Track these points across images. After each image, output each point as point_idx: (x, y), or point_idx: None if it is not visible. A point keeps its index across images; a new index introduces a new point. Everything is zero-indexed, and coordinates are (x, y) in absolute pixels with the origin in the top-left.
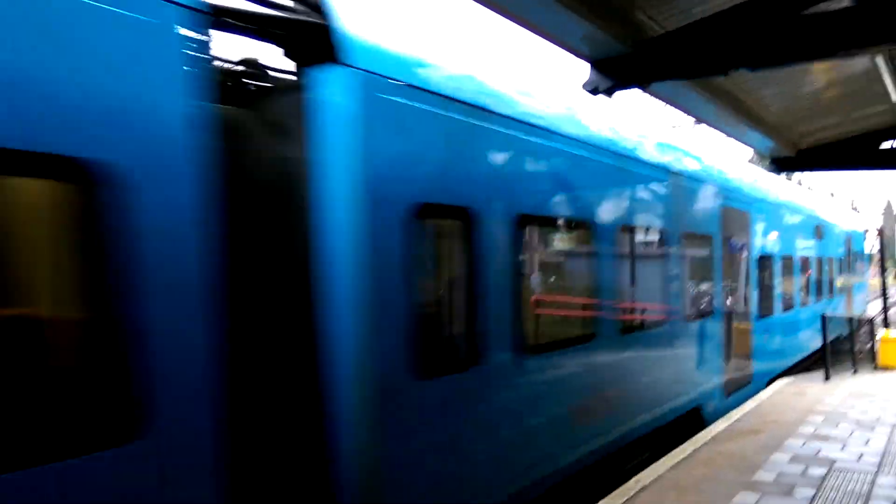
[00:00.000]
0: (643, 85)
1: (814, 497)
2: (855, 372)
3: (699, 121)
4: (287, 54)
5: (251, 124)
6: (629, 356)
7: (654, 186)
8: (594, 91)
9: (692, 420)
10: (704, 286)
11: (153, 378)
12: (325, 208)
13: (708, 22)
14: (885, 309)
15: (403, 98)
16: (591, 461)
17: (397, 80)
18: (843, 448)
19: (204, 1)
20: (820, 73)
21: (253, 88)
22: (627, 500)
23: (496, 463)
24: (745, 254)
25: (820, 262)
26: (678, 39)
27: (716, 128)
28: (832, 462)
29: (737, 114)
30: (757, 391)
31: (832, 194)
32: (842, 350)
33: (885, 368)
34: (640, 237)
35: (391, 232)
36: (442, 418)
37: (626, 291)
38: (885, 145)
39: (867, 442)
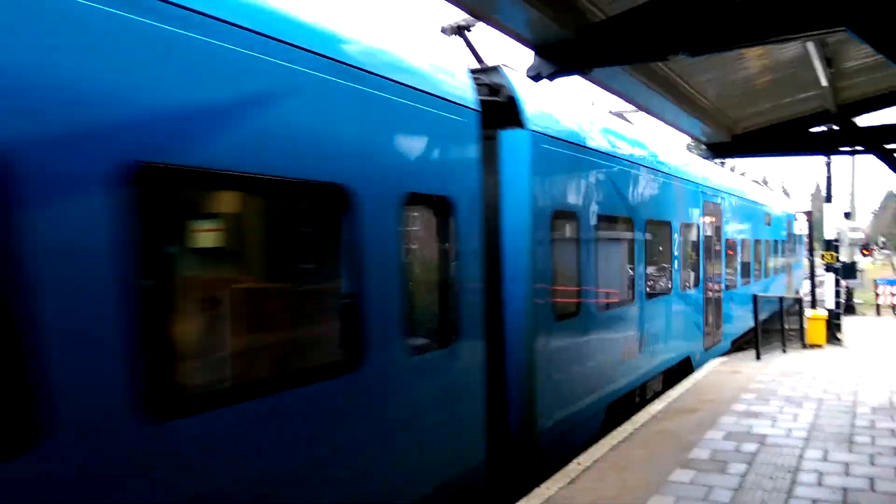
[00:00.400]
0: (584, 71)
1: (746, 472)
2: (784, 351)
3: (639, 108)
4: (490, 121)
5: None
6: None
7: (671, 189)
8: (537, 77)
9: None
10: (693, 264)
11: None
12: (510, 212)
13: (647, 7)
14: (813, 289)
15: (550, 145)
16: (638, 384)
17: (548, 135)
18: (773, 424)
19: (478, 109)
20: (754, 60)
21: None
22: (570, 481)
23: (599, 376)
24: (719, 237)
25: (768, 243)
26: (619, 25)
27: (655, 115)
28: (763, 438)
29: (675, 100)
30: (725, 349)
31: (765, 179)
32: (773, 329)
33: (812, 346)
34: (662, 228)
35: (542, 227)
36: (566, 345)
37: (649, 269)
38: (815, 130)
39: (795, 417)
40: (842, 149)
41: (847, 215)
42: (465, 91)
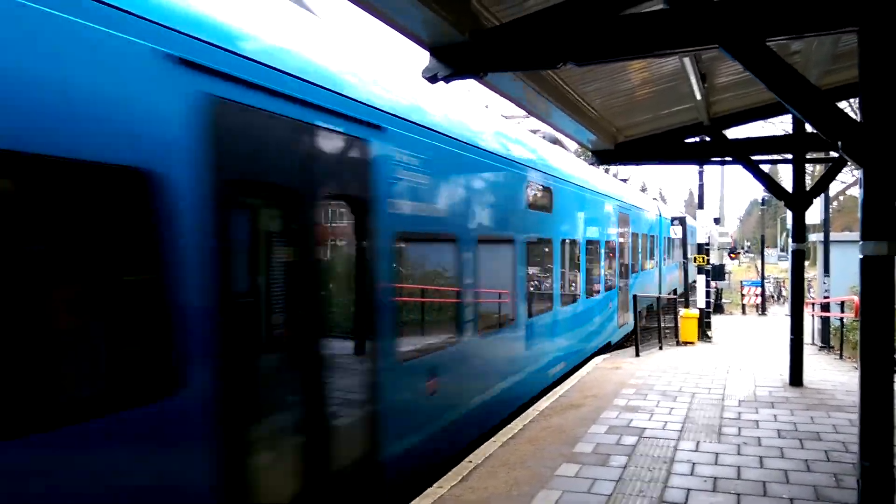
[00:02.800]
0: (479, 75)
1: (626, 464)
2: (661, 348)
3: (531, 114)
4: None
5: None
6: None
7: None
8: (433, 79)
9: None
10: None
11: None
12: None
13: (538, 17)
14: (686, 289)
15: None
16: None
17: None
18: (650, 418)
19: None
20: (636, 73)
21: None
22: (462, 479)
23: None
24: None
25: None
26: (511, 32)
27: (545, 121)
28: (642, 431)
29: (564, 108)
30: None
31: (644, 185)
32: (650, 327)
33: (686, 343)
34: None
35: None
36: None
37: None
38: (690, 140)
39: (671, 411)
40: (713, 159)
41: (717, 221)
42: None
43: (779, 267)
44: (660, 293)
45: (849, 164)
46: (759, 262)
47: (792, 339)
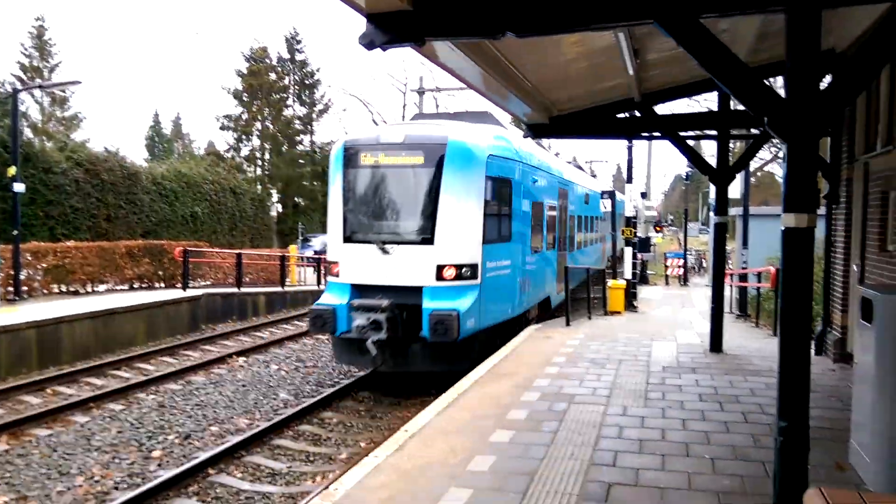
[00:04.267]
0: (418, 43)
1: (557, 429)
2: (590, 317)
3: (469, 86)
4: None
5: None
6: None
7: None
8: (370, 45)
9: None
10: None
11: None
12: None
13: None
14: (614, 261)
15: None
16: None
17: None
18: (580, 384)
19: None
20: (571, 46)
21: None
22: (399, 447)
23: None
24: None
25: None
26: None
27: (483, 94)
28: (572, 397)
29: (501, 80)
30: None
31: (574, 158)
32: (580, 298)
33: (613, 313)
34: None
35: None
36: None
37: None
38: (621, 116)
39: (599, 377)
40: (643, 134)
41: (643, 195)
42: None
43: (699, 239)
44: (600, 261)
45: (771, 141)
46: (681, 235)
47: (712, 308)
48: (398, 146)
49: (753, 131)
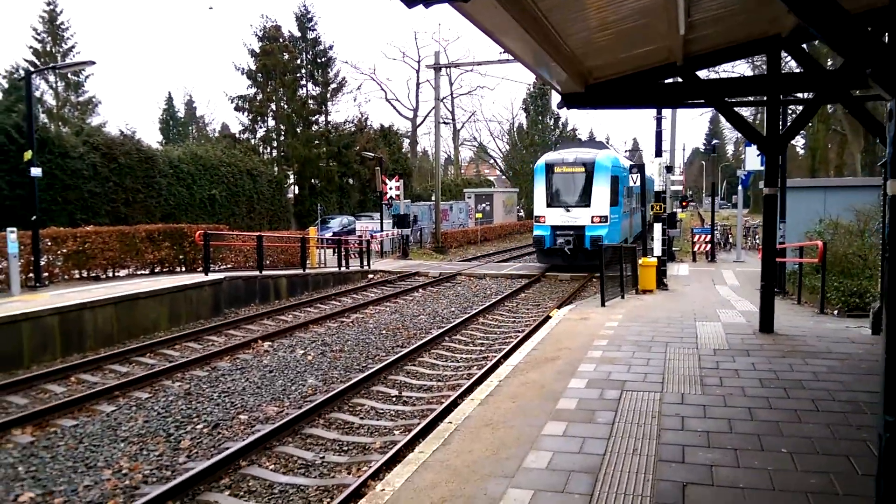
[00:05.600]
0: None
1: (613, 420)
2: (623, 297)
3: (506, 48)
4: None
5: None
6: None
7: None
8: (412, 1)
9: None
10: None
11: None
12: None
13: None
14: (644, 237)
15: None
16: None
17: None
18: (629, 370)
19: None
20: (616, 5)
21: None
22: (443, 442)
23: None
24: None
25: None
26: None
27: (519, 57)
28: (623, 384)
29: (542, 43)
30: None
31: (591, 132)
32: (612, 276)
33: (645, 292)
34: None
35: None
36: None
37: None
38: (663, 82)
39: (648, 362)
40: (686, 101)
41: (668, 169)
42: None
43: (720, 214)
44: (632, 234)
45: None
46: (701, 211)
47: (763, 286)
48: (571, 163)
49: (806, 96)
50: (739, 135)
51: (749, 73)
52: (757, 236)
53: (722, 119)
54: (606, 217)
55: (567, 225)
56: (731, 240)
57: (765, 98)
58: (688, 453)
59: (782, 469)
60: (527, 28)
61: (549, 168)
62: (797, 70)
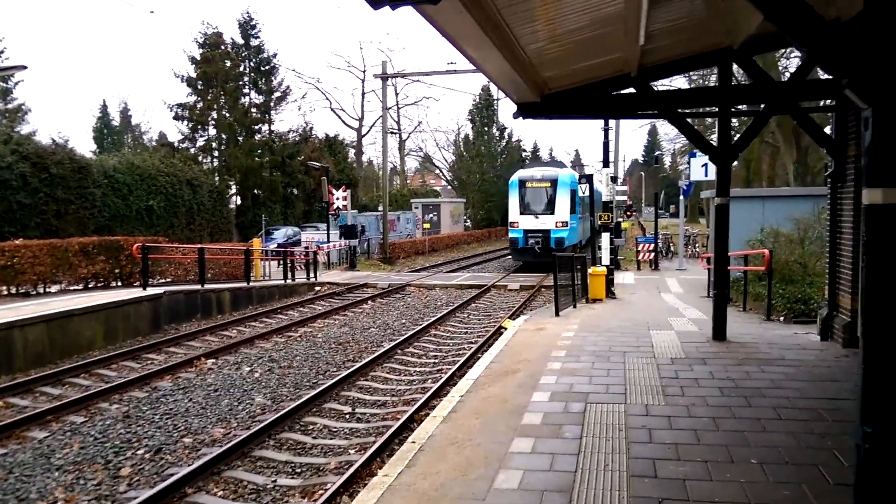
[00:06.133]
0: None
1: (581, 434)
2: (575, 306)
3: (466, 56)
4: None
5: None
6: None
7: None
8: (377, 2)
9: None
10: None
11: None
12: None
13: None
14: (594, 246)
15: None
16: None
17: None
18: (590, 381)
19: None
20: (577, 15)
21: None
22: (408, 463)
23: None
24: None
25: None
26: None
27: (477, 64)
28: (586, 396)
29: (499, 47)
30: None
31: (536, 144)
32: (563, 285)
33: (595, 301)
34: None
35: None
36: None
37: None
38: (617, 93)
39: (608, 373)
40: (640, 112)
41: (614, 179)
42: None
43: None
44: (581, 242)
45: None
46: (641, 220)
47: (716, 295)
48: (539, 179)
49: (757, 108)
50: (677, 147)
51: (686, 87)
52: (697, 245)
53: (660, 131)
54: (567, 222)
55: (536, 229)
56: (672, 248)
57: (716, 109)
58: (659, 467)
59: (755, 481)
60: (489, 35)
61: (522, 183)
62: (746, 83)
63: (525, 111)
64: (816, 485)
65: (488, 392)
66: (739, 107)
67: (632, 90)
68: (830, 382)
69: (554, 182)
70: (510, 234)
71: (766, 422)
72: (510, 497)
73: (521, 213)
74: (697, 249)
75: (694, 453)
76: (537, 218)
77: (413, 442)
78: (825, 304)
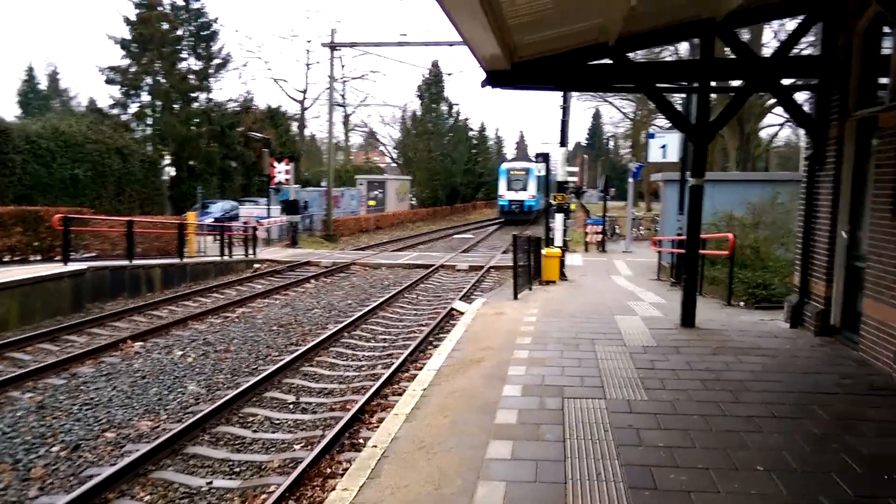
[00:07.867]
0: None
1: (563, 436)
2: (531, 288)
3: (446, 12)
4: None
5: None
6: None
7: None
8: None
9: None
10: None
11: None
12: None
13: None
14: (547, 228)
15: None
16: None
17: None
18: (562, 372)
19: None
20: None
21: None
22: (372, 473)
23: None
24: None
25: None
26: None
27: (454, 18)
28: (562, 390)
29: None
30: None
31: (483, 124)
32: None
33: (548, 283)
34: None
35: None
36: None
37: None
38: (592, 63)
39: (580, 363)
40: (616, 86)
41: (568, 161)
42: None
43: (599, 206)
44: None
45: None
46: (583, 202)
47: (686, 280)
48: (518, 169)
49: (736, 84)
50: (620, 131)
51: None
52: (641, 228)
53: (604, 115)
54: (535, 195)
55: (516, 199)
56: (618, 230)
57: (695, 85)
58: (658, 476)
59: (767, 493)
60: None
61: (507, 171)
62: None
63: (495, 80)
64: (837, 497)
65: (453, 385)
66: (716, 84)
67: (608, 61)
68: (815, 374)
69: (527, 171)
70: (499, 203)
71: (759, 420)
72: None
73: (507, 190)
74: (641, 232)
75: (692, 459)
76: (517, 193)
77: (375, 446)
78: (795, 291)
